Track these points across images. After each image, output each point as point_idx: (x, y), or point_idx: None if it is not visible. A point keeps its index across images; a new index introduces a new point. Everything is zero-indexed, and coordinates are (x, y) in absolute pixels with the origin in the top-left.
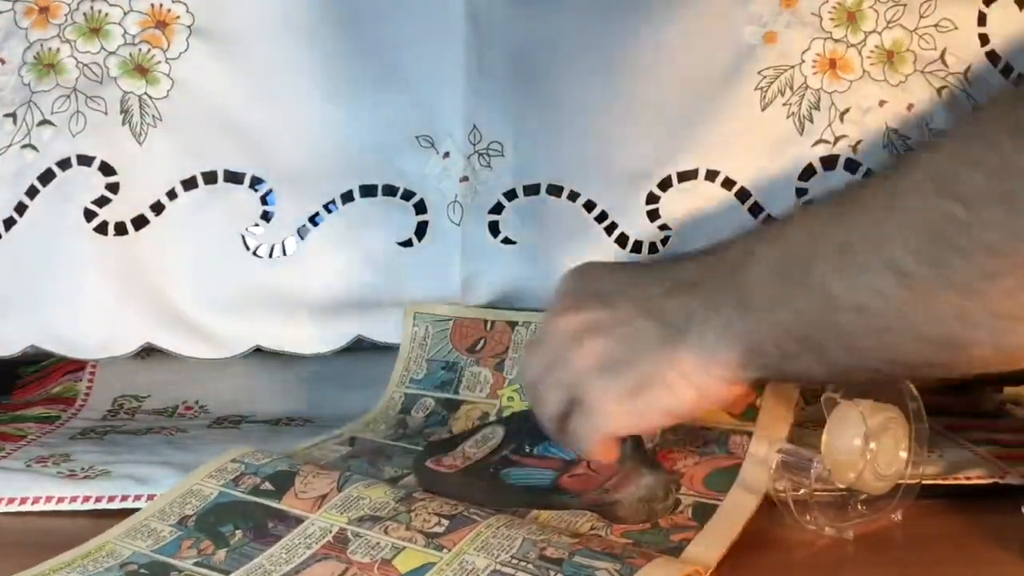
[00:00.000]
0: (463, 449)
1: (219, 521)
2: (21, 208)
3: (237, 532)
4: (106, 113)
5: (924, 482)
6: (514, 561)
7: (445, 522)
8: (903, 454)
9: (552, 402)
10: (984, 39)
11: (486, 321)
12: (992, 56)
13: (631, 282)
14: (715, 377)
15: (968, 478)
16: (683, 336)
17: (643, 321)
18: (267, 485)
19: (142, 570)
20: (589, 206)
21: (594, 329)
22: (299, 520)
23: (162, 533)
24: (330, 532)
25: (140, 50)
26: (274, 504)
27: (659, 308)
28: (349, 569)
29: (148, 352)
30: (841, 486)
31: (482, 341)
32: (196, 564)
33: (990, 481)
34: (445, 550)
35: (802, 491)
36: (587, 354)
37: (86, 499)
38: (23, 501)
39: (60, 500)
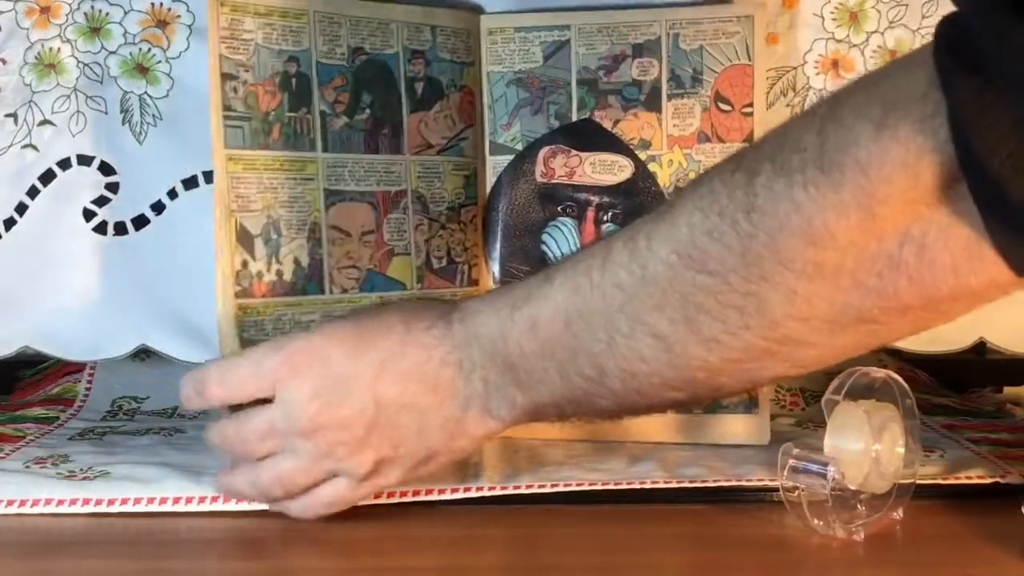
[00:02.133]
0: None
1: (371, 83)
2: (22, 208)
3: (367, 110)
4: (106, 113)
5: (925, 482)
6: None
7: (443, 262)
8: (900, 451)
9: (307, 482)
10: None
11: None
12: None
13: (381, 369)
14: (499, 431)
15: (968, 478)
16: (466, 412)
17: (416, 414)
18: (421, 79)
19: (294, 78)
20: None
21: (369, 429)
22: (398, 149)
23: (338, 48)
24: (401, 183)
25: (140, 49)
26: (404, 111)
27: (430, 395)
28: (372, 235)
29: (148, 353)
30: (852, 487)
31: None
32: (321, 112)
33: (990, 481)
34: (420, 286)
35: (820, 494)
36: (365, 456)
37: (86, 502)
38: (22, 503)
39: (60, 503)
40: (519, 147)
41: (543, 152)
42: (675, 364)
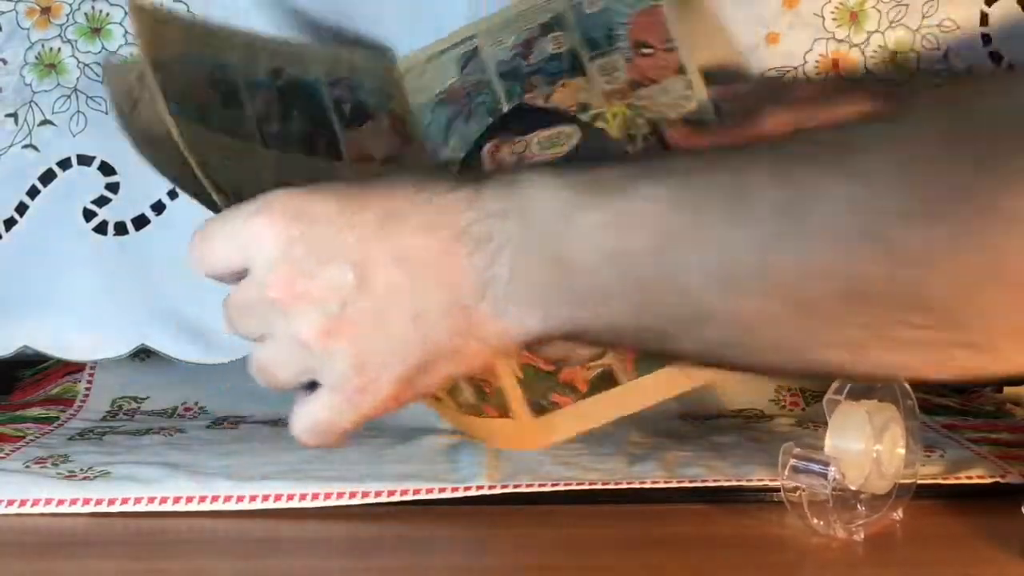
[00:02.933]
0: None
1: (296, 100)
2: (22, 208)
3: (297, 122)
4: (107, 113)
5: (925, 482)
6: None
7: None
8: (901, 451)
9: (286, 376)
10: (986, 39)
11: None
12: (995, 56)
13: (379, 228)
14: (519, 342)
15: (969, 478)
16: (479, 301)
17: (414, 293)
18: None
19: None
20: None
21: (347, 306)
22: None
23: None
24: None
25: None
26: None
27: (436, 269)
28: None
29: (148, 353)
30: (853, 487)
31: None
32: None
33: (991, 481)
34: None
35: (821, 494)
36: (341, 344)
37: (86, 502)
38: (23, 503)
39: (60, 502)
40: (461, 155)
41: (487, 149)
42: (811, 344)
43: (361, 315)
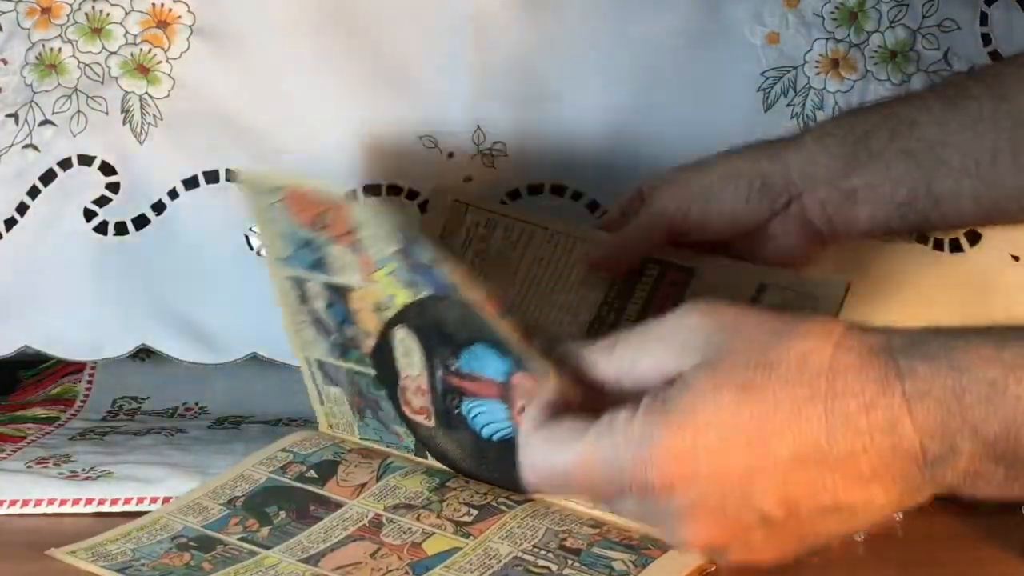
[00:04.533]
0: (403, 378)
1: (265, 503)
2: (22, 208)
3: (281, 513)
4: (107, 113)
5: None
6: (535, 550)
7: (474, 512)
8: None
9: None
10: (987, 39)
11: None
12: (995, 56)
13: (791, 467)
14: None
15: None
16: (918, 491)
17: (846, 511)
18: (312, 473)
19: (191, 543)
20: (593, 207)
21: (772, 535)
22: (339, 505)
23: (212, 511)
24: (366, 517)
25: (141, 50)
26: (317, 490)
27: (873, 480)
28: (380, 549)
29: (148, 353)
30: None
31: (328, 213)
32: (241, 539)
33: None
34: (472, 537)
35: None
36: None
37: (88, 502)
38: (25, 503)
39: (63, 503)
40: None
41: (404, 409)
42: None
43: (785, 537)
